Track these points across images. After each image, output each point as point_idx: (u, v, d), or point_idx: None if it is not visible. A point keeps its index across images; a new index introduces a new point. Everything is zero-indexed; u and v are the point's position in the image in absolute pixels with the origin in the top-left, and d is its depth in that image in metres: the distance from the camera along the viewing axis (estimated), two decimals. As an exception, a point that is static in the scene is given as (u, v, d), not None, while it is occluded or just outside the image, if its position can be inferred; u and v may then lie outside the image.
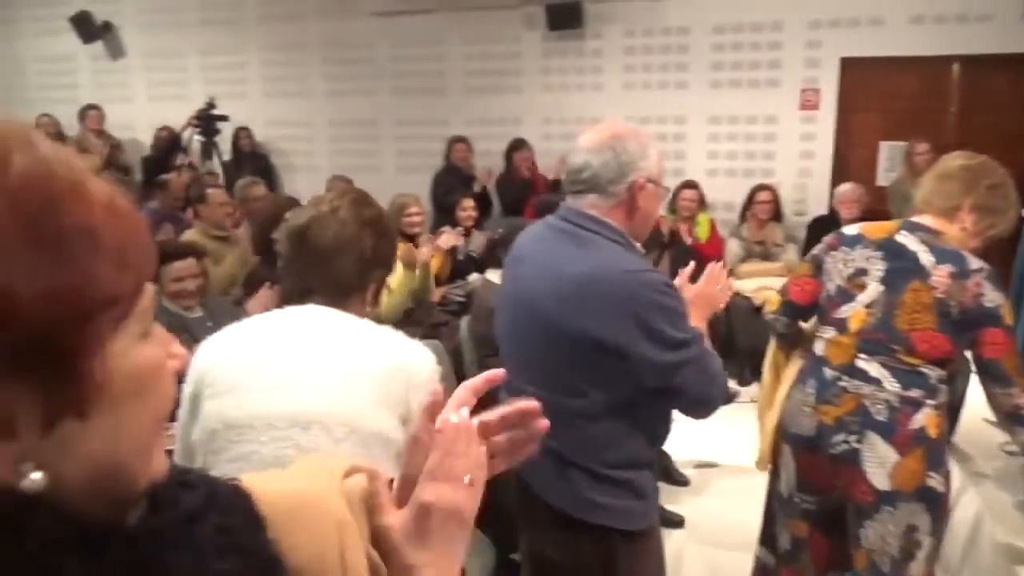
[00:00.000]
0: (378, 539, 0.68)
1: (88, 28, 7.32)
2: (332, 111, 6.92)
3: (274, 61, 7.05)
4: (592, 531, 1.59)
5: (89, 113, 6.84)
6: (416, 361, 1.37)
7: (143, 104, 7.48)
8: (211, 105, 6.23)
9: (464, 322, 3.68)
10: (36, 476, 0.42)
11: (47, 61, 7.88)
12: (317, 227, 1.40)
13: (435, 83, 6.64)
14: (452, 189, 5.82)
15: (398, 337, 1.40)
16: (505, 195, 6.05)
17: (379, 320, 3.55)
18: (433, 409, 0.70)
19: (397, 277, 3.93)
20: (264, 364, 1.31)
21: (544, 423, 0.72)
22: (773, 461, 2.12)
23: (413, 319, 4.00)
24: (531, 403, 0.72)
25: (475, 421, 0.69)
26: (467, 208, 5.13)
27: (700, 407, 1.61)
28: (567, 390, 1.56)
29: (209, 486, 0.58)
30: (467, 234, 4.98)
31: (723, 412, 1.78)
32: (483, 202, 5.76)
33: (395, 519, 0.67)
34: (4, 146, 0.43)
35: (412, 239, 4.42)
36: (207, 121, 6.05)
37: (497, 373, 0.73)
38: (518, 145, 6.05)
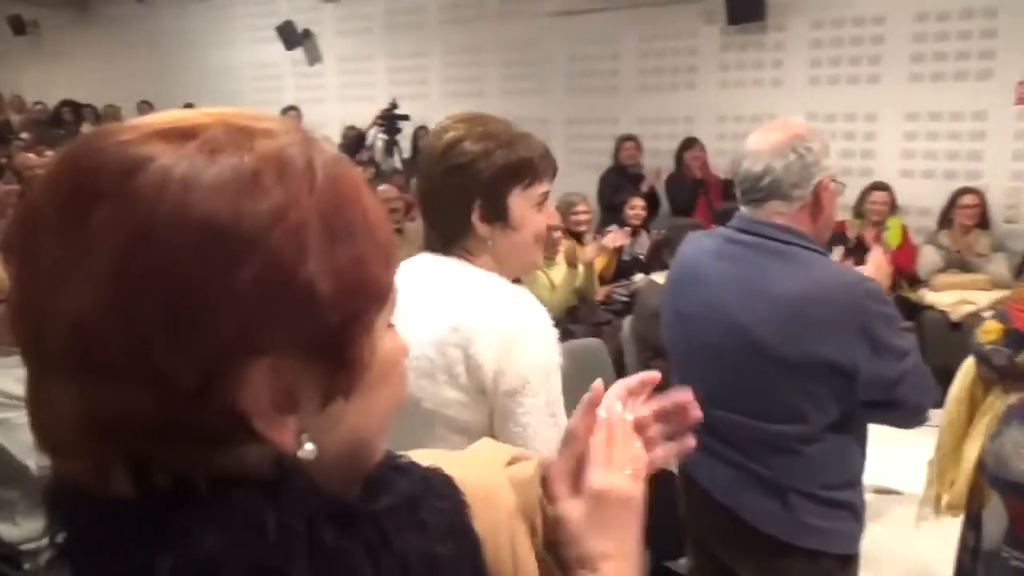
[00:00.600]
0: (549, 529, 0.67)
1: (291, 36, 8.03)
2: (506, 110, 7.00)
3: (453, 63, 7.35)
4: (807, 556, 1.53)
5: (289, 113, 7.50)
6: (477, 320, 1.20)
7: (334, 104, 8.07)
8: (394, 105, 6.61)
9: (627, 322, 3.64)
10: (310, 447, 0.46)
11: (257, 67, 8.74)
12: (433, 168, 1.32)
13: (607, 81, 6.61)
14: (619, 188, 5.78)
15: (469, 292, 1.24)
16: (675, 195, 5.91)
17: None
18: (591, 402, 0.69)
19: (561, 274, 3.97)
20: None
21: (698, 414, 0.70)
22: (969, 507, 1.91)
23: (576, 317, 4.02)
24: (685, 394, 0.69)
25: (630, 416, 0.68)
26: (636, 207, 5.07)
27: (913, 417, 1.53)
28: (783, 415, 1.49)
29: (421, 471, 0.59)
30: (634, 234, 4.93)
31: (907, 435, 1.64)
32: (651, 202, 5.66)
33: (572, 509, 0.65)
34: (306, 148, 0.46)
35: (578, 237, 4.44)
36: (390, 120, 6.43)
37: (654, 375, 0.71)
38: (690, 144, 5.89)
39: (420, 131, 7.10)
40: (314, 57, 8.22)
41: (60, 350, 0.42)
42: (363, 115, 7.20)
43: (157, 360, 0.41)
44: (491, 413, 1.19)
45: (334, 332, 0.45)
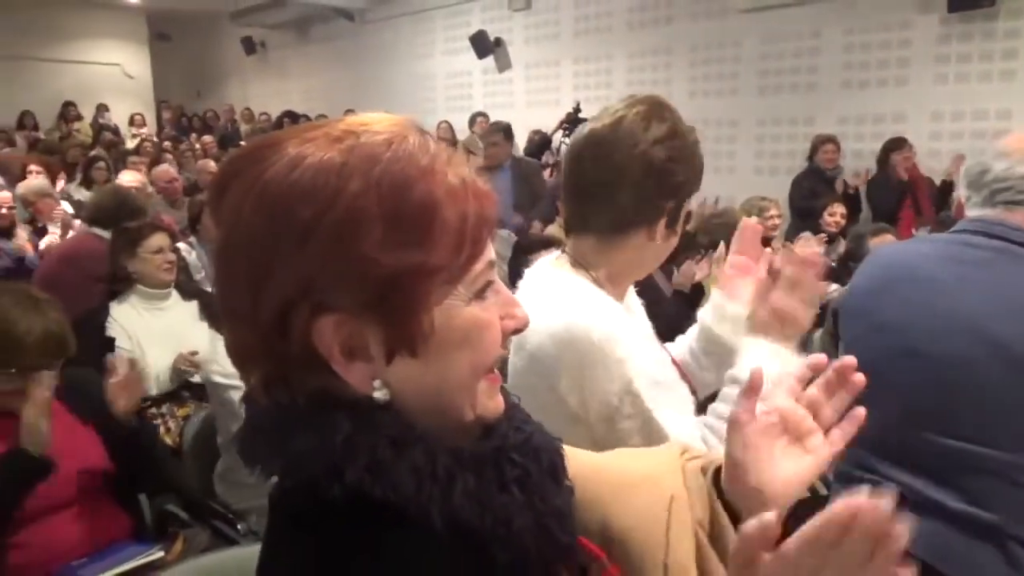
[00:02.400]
0: (714, 524, 0.69)
1: (483, 45, 8.36)
2: (692, 111, 6.88)
3: (639, 66, 7.27)
4: None
5: (478, 119, 7.81)
6: (550, 349, 1.11)
7: (521, 110, 8.29)
8: (577, 109, 6.67)
9: (818, 336, 3.40)
10: (382, 392, 0.57)
11: (450, 76, 9.20)
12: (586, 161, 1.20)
13: (805, 79, 6.22)
14: (814, 193, 5.43)
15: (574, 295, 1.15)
16: (878, 200, 5.44)
17: None
18: (752, 388, 0.68)
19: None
20: None
21: (860, 379, 0.68)
22: None
23: (760, 327, 3.82)
24: (847, 359, 0.68)
25: (803, 401, 0.68)
26: (836, 214, 4.73)
27: None
28: None
29: (532, 433, 0.65)
30: (830, 241, 4.60)
31: None
32: (852, 207, 5.26)
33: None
34: (385, 139, 0.55)
35: (766, 243, 4.22)
36: (574, 124, 6.49)
37: (823, 360, 0.69)
38: (897, 144, 5.39)
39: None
40: (504, 64, 8.50)
41: (216, 299, 0.59)
42: (548, 120, 7.34)
43: (247, 305, 0.54)
44: (591, 436, 1.11)
45: (388, 300, 0.54)
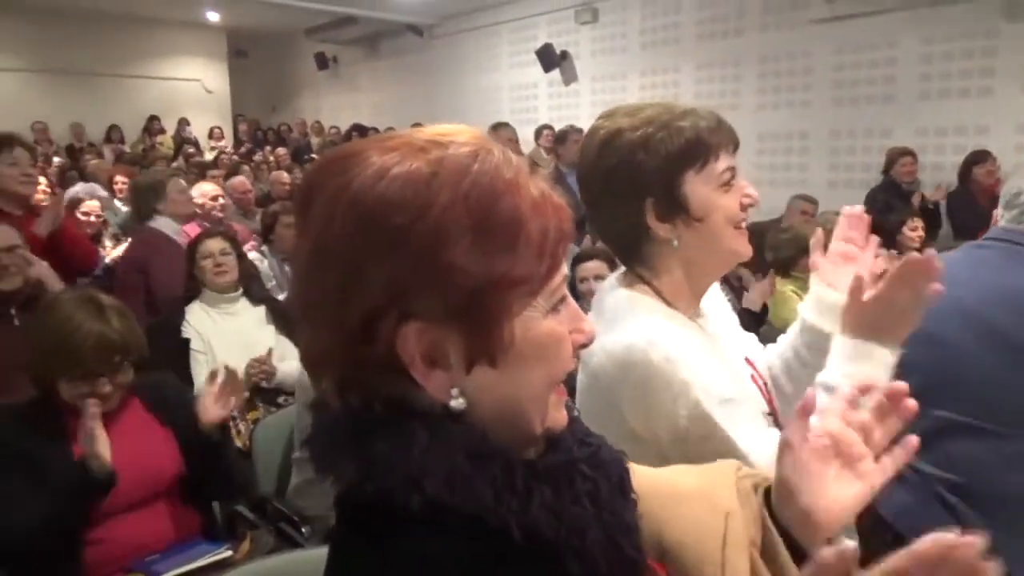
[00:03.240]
0: (768, 544, 0.69)
1: (549, 58, 8.40)
2: (762, 124, 6.78)
3: (707, 77, 7.18)
4: None
5: (543, 132, 7.82)
6: (610, 369, 1.08)
7: (586, 123, 8.23)
8: (644, 122, 6.63)
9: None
10: (459, 400, 0.57)
11: (516, 88, 9.27)
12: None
13: (881, 90, 6.03)
14: (889, 207, 5.23)
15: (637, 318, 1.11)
16: (959, 216, 5.20)
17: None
18: (804, 410, 0.67)
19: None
20: None
21: (913, 405, 0.68)
22: None
23: (831, 345, 3.71)
24: (899, 384, 0.68)
25: (854, 424, 0.68)
26: (916, 229, 4.54)
27: None
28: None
29: (599, 447, 0.66)
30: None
31: None
32: (930, 222, 5.05)
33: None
34: (471, 151, 0.57)
35: (837, 260, 4.10)
36: (640, 137, 6.46)
37: (899, 386, 0.68)
38: (980, 157, 5.15)
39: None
40: (570, 77, 8.52)
41: (293, 305, 0.61)
42: (613, 132, 7.32)
43: (333, 311, 0.55)
44: (658, 454, 1.06)
45: (472, 309, 0.55)
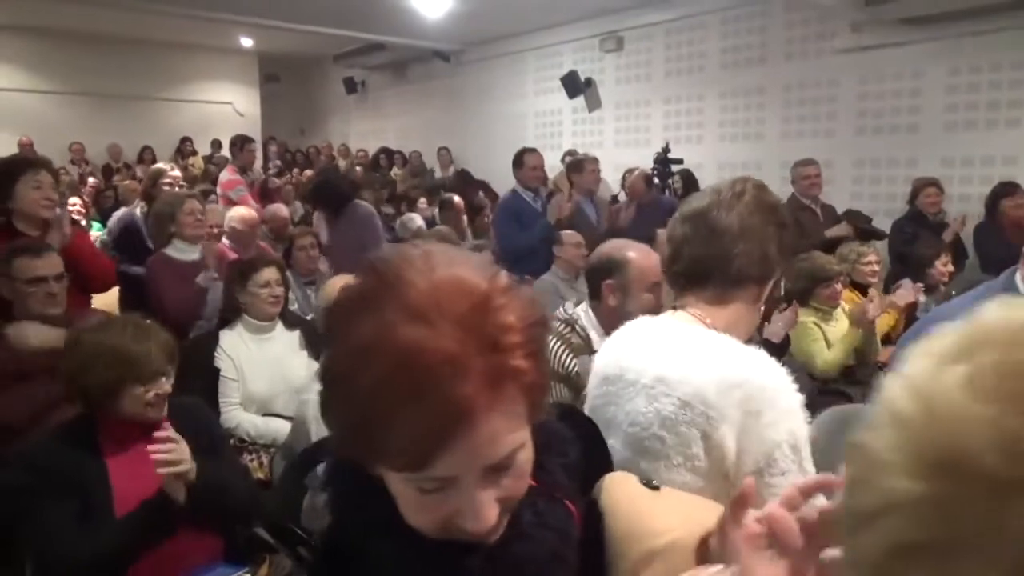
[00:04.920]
0: None
1: (574, 85, 8.48)
2: (786, 152, 6.77)
3: (731, 106, 7.21)
4: None
5: (567, 159, 7.89)
6: (710, 395, 1.10)
7: (610, 149, 8.33)
8: (666, 150, 6.65)
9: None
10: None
11: (541, 115, 9.36)
12: (719, 210, 1.27)
13: (906, 120, 6.01)
14: (915, 238, 5.19)
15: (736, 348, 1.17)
16: (986, 249, 5.14)
17: (813, 374, 3.29)
18: (741, 501, 0.65)
19: (840, 331, 3.65)
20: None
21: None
22: None
23: (852, 377, 3.67)
24: (832, 477, 0.63)
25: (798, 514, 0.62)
26: (945, 262, 4.49)
27: None
28: None
29: (531, 547, 0.70)
30: (928, 290, 4.38)
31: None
32: (956, 253, 5.00)
33: None
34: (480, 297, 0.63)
35: (864, 290, 4.07)
36: (663, 165, 6.47)
37: (832, 480, 0.62)
38: (1009, 190, 5.10)
39: (689, 173, 7.07)
40: (594, 104, 8.59)
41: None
42: (637, 159, 7.34)
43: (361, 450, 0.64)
44: (727, 492, 1.08)
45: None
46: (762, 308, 1.29)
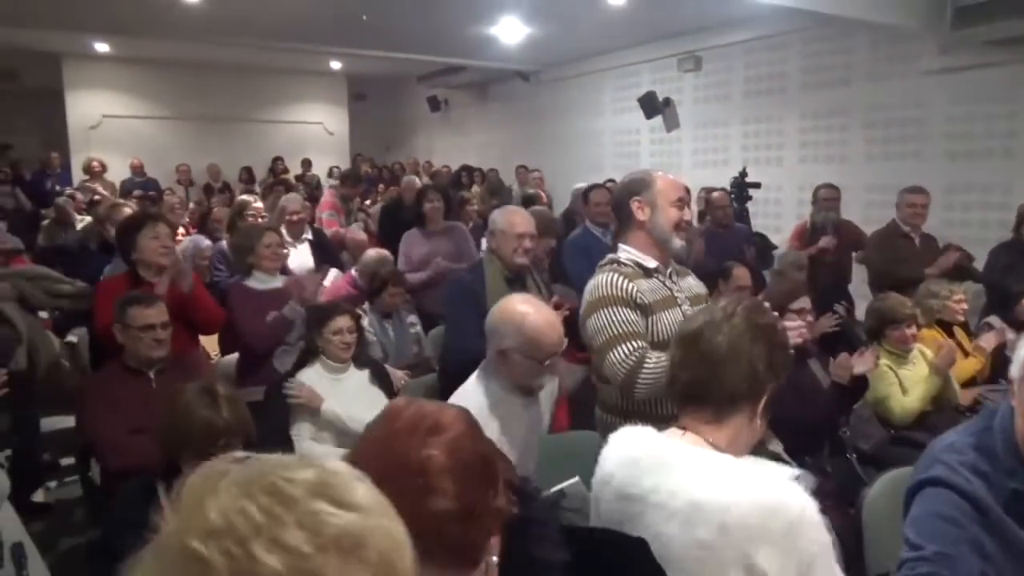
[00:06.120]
0: None
1: (652, 105, 8.47)
2: (870, 176, 6.58)
3: (812, 127, 7.05)
4: None
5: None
6: (749, 518, 1.15)
7: (687, 170, 8.28)
8: (743, 174, 6.57)
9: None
10: None
11: (617, 134, 9.38)
12: (710, 332, 1.34)
13: (1001, 144, 5.74)
14: (1012, 269, 4.90)
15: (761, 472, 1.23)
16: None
17: (887, 422, 3.18)
18: None
19: (917, 375, 3.51)
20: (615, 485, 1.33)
21: None
22: None
23: (927, 423, 3.54)
24: None
25: None
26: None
27: None
28: None
29: None
30: (1021, 327, 4.17)
31: None
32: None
33: None
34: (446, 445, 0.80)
35: (951, 329, 3.89)
36: (739, 189, 6.40)
37: None
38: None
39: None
40: (671, 124, 8.56)
41: None
42: (714, 180, 7.28)
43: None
44: None
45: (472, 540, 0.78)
46: (760, 421, 1.34)
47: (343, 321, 3.06)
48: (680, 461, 1.25)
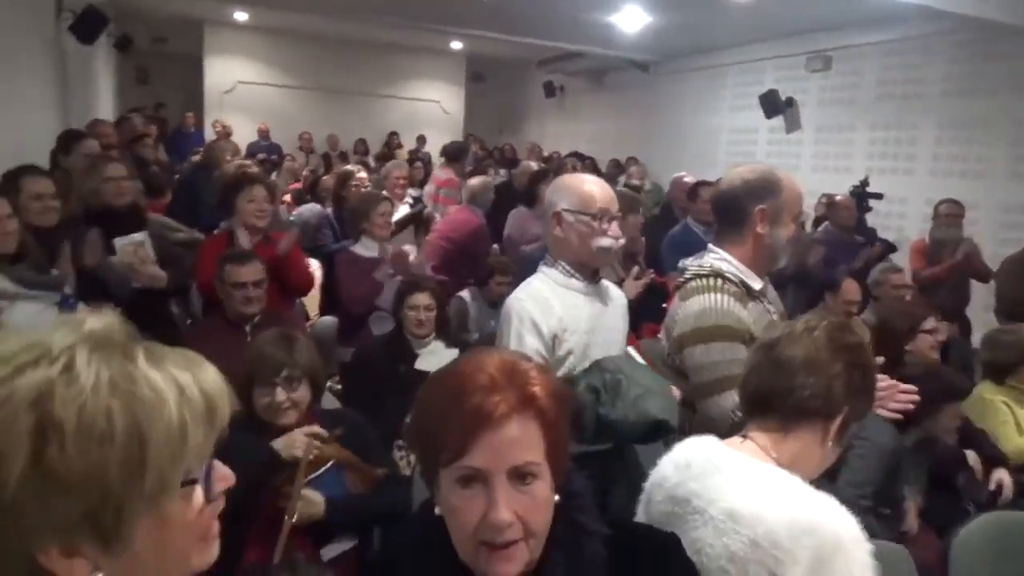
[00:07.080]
0: None
1: (773, 104, 8.12)
2: (1011, 195, 6.07)
3: (950, 138, 6.56)
4: None
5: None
6: (781, 537, 1.09)
7: (806, 173, 7.89)
8: (865, 183, 6.20)
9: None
10: None
11: (734, 132, 9.06)
12: (787, 341, 1.29)
13: None
14: None
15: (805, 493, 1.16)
16: None
17: (1003, 461, 2.98)
18: None
19: (1035, 413, 3.25)
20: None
21: None
22: None
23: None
24: None
25: None
26: None
27: None
28: None
29: None
30: None
31: None
32: None
33: None
34: None
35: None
36: (860, 199, 6.05)
37: None
38: None
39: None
40: (792, 125, 8.18)
41: None
42: (834, 187, 6.90)
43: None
44: None
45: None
46: (834, 448, 1.28)
47: (422, 298, 3.14)
48: (728, 468, 1.22)
